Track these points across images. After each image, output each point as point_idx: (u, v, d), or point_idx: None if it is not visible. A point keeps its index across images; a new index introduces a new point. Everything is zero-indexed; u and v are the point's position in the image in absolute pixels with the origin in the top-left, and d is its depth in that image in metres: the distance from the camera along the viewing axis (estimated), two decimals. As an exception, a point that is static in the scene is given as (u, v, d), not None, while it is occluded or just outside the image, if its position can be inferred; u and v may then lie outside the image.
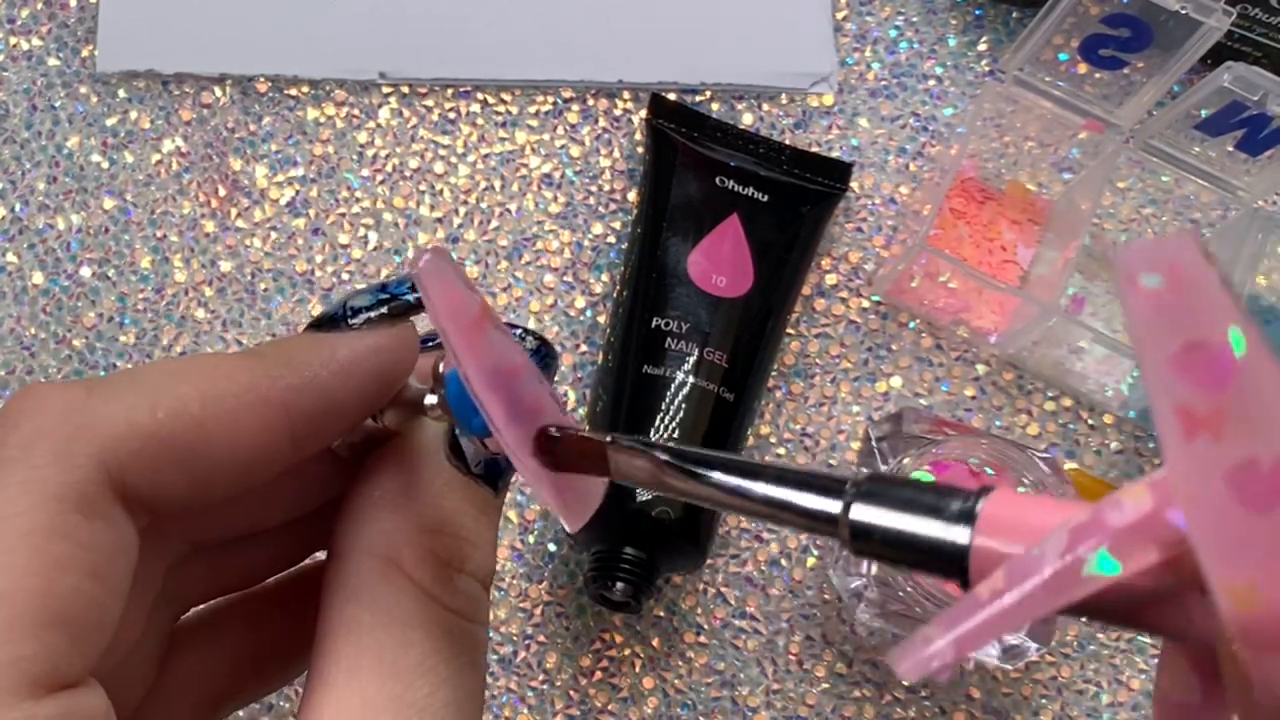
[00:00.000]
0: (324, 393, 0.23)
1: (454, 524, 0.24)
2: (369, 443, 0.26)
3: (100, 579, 0.21)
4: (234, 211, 0.53)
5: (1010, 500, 0.18)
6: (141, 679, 0.25)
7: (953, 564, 0.18)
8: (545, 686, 0.49)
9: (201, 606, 0.27)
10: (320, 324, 0.24)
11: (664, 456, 0.22)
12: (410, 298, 0.24)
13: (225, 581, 0.27)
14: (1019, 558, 0.17)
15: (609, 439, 0.23)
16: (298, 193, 0.53)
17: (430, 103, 0.54)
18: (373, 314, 0.24)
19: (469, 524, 0.24)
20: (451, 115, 0.54)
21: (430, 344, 0.26)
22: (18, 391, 0.22)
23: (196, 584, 0.27)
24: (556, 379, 0.51)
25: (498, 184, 0.54)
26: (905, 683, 0.49)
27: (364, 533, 0.24)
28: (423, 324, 0.24)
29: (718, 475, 0.21)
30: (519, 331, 0.25)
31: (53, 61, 0.54)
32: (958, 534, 0.18)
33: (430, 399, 0.25)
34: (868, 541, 0.19)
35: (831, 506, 0.20)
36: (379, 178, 0.53)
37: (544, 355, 0.26)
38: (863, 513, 0.19)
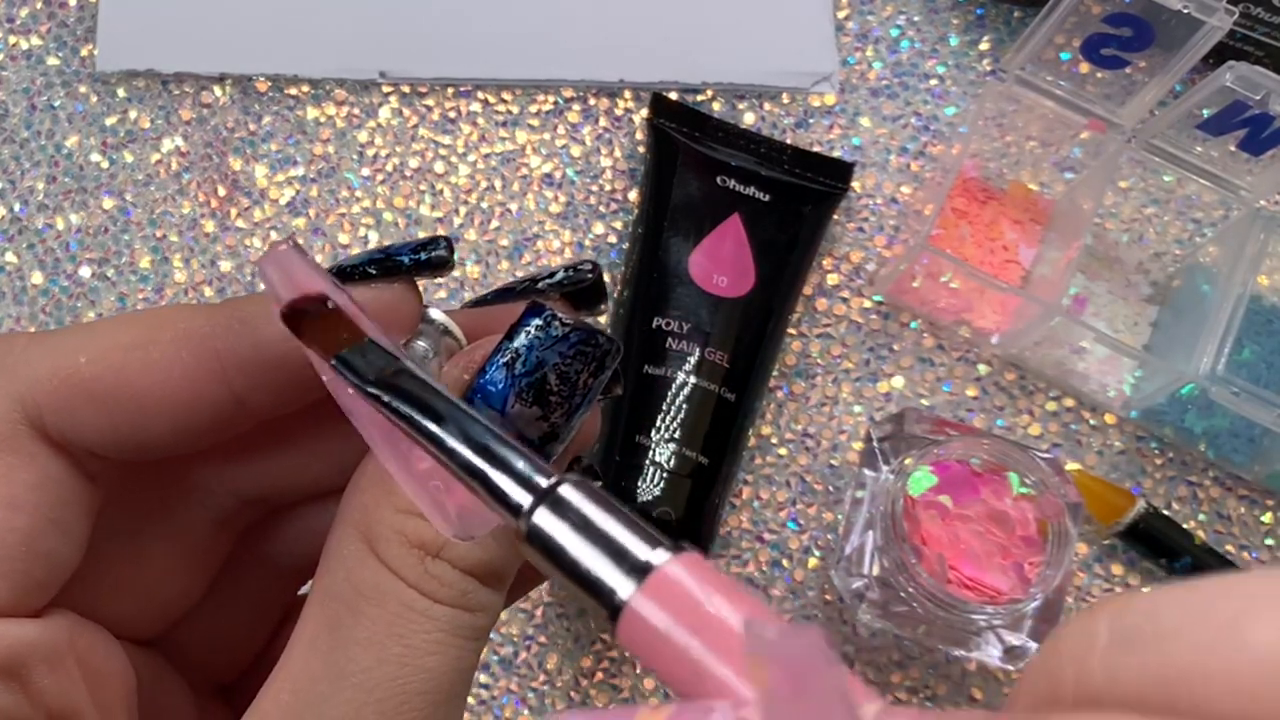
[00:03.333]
0: (265, 344, 0.23)
1: None
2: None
3: (19, 509, 0.21)
4: (234, 211, 0.53)
5: (693, 573, 0.17)
6: (194, 593, 0.26)
7: (609, 610, 0.17)
8: (546, 687, 0.49)
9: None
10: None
11: (376, 392, 0.20)
12: (405, 259, 0.23)
13: (278, 495, 0.28)
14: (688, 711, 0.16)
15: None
16: (298, 193, 0.53)
17: (430, 102, 0.54)
18: (357, 273, 0.23)
19: None
20: (452, 115, 0.54)
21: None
22: None
23: (295, 544, 0.27)
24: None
25: (498, 184, 0.53)
26: (907, 683, 0.49)
27: (349, 504, 0.24)
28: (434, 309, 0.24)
29: (421, 418, 0.20)
30: (548, 314, 0.23)
31: (52, 61, 0.54)
32: (622, 585, 0.17)
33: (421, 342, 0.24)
34: (541, 550, 0.18)
35: (522, 497, 0.19)
36: (379, 177, 0.53)
37: (577, 342, 0.24)
38: (546, 520, 0.18)
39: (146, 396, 0.22)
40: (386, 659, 0.22)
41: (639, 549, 0.17)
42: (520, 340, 0.23)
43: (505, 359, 0.23)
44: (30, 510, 0.22)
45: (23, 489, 0.22)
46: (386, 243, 0.52)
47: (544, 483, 0.18)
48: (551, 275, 0.25)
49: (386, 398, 0.20)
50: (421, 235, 0.53)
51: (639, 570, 0.17)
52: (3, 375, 0.22)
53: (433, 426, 0.19)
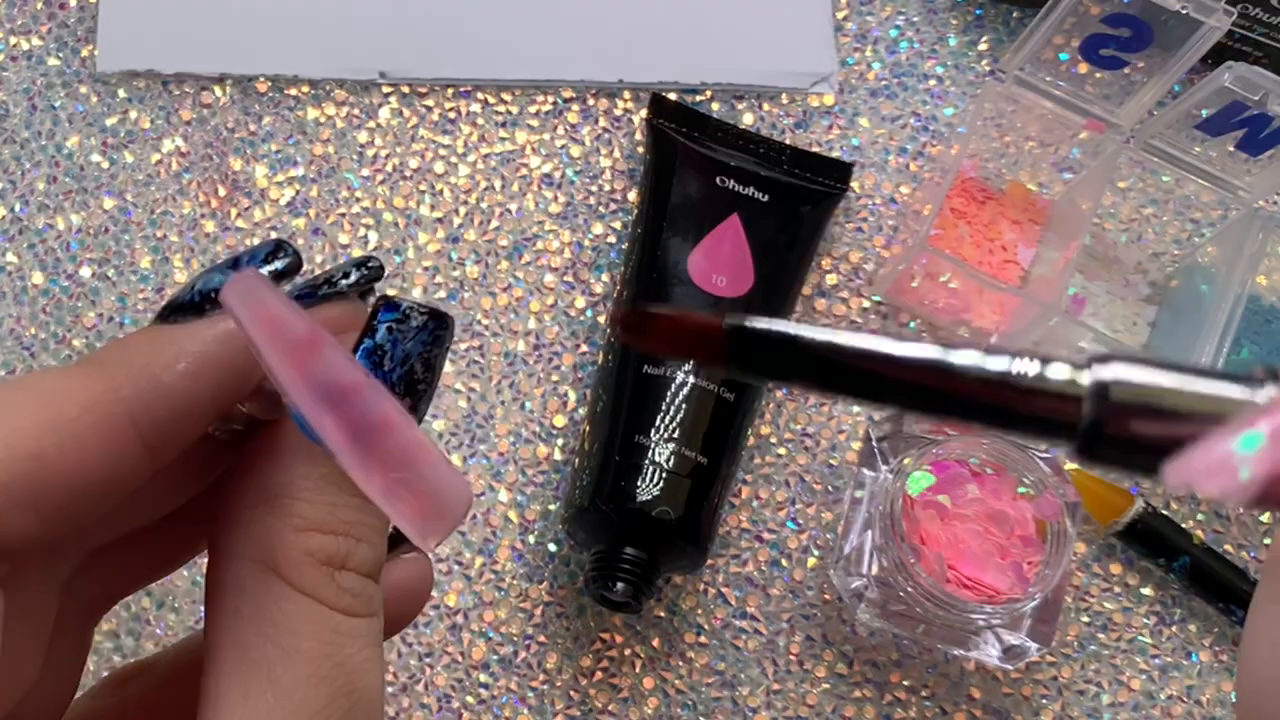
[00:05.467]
0: (172, 394, 0.21)
1: (331, 521, 0.23)
2: (248, 427, 0.24)
3: None
4: (234, 211, 0.53)
5: None
6: (66, 686, 0.25)
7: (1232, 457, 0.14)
8: (545, 687, 0.49)
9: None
10: (170, 312, 0.23)
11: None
12: (266, 270, 0.23)
13: (133, 576, 0.26)
14: None
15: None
16: (298, 193, 0.53)
17: (430, 102, 0.54)
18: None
19: (350, 518, 0.23)
20: (451, 115, 0.54)
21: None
22: None
23: (105, 583, 0.25)
24: (555, 378, 0.51)
25: (498, 184, 0.53)
26: (906, 683, 0.49)
27: (238, 536, 0.22)
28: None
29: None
30: (406, 305, 0.23)
31: (53, 61, 0.54)
32: (1257, 395, 0.15)
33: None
34: (1121, 405, 0.15)
35: (1062, 373, 0.16)
36: (379, 178, 0.53)
37: (434, 328, 0.24)
38: (1117, 371, 0.15)
39: (72, 481, 0.20)
40: (336, 692, 0.22)
41: (1229, 376, 0.15)
42: (381, 335, 0.23)
43: (373, 358, 0.23)
44: None
45: None
46: (386, 244, 0.53)
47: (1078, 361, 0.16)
48: (347, 275, 0.25)
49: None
50: (421, 236, 0.53)
51: (1271, 376, 0.15)
52: None
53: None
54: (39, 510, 0.20)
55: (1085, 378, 0.16)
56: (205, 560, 0.24)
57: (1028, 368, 0.16)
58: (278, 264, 0.23)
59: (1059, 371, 0.16)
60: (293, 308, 0.21)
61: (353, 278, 0.25)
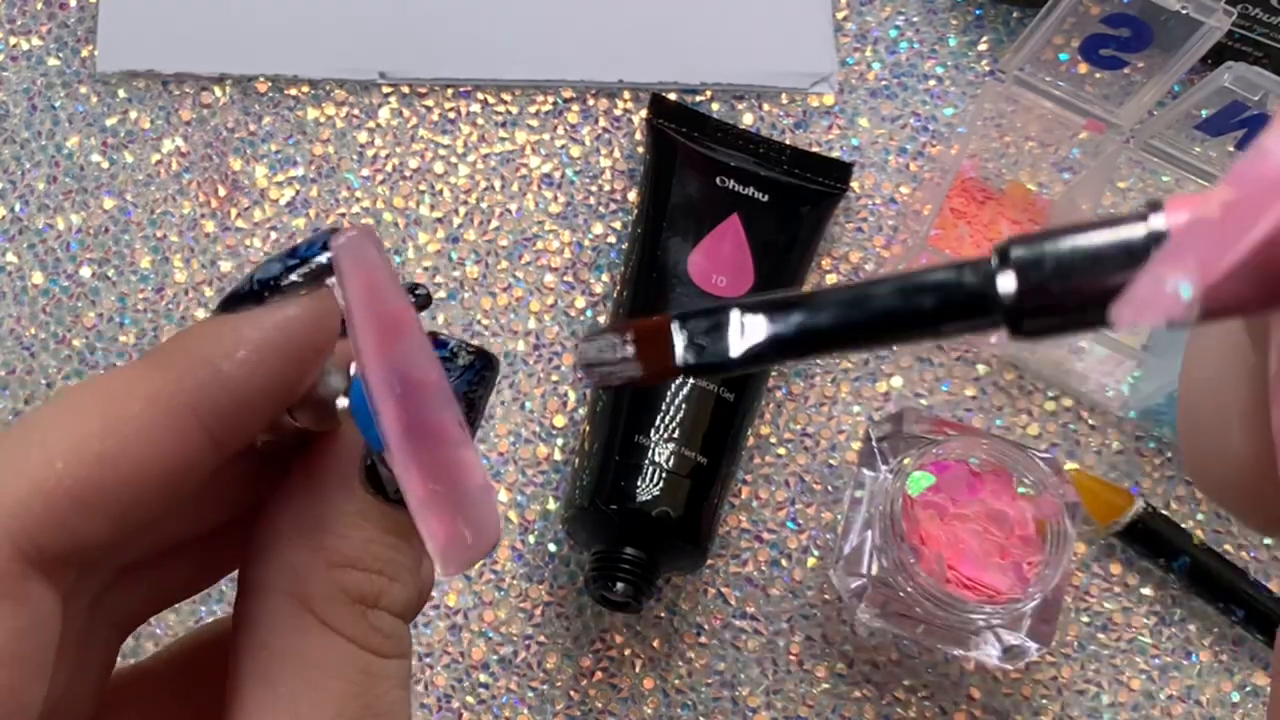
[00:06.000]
0: (233, 383, 0.21)
1: (366, 558, 0.22)
2: (293, 441, 0.24)
3: (4, 662, 0.19)
4: (234, 211, 0.53)
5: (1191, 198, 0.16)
6: (88, 703, 0.24)
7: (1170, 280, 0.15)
8: (545, 687, 0.49)
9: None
10: (230, 303, 0.22)
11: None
12: (323, 258, 0.22)
13: (161, 596, 0.26)
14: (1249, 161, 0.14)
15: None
16: (298, 193, 0.53)
17: (430, 103, 0.54)
18: (284, 283, 0.22)
19: (385, 555, 0.23)
20: (451, 115, 0.54)
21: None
22: None
23: (133, 602, 0.25)
24: (555, 378, 0.51)
25: (498, 184, 0.54)
26: (906, 682, 0.49)
27: (271, 568, 0.22)
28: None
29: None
30: (454, 343, 0.23)
31: (53, 61, 0.54)
32: (1149, 224, 0.15)
33: (342, 401, 0.23)
34: (1036, 277, 0.16)
35: (978, 269, 0.17)
36: (379, 178, 0.53)
37: (480, 368, 0.23)
38: (1022, 250, 0.16)
39: (139, 479, 0.20)
40: None
41: (1117, 218, 0.16)
42: None
43: None
44: (17, 662, 0.20)
45: (12, 638, 0.19)
46: (386, 243, 0.52)
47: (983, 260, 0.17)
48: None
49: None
50: (421, 236, 0.53)
51: (1151, 207, 0.16)
52: None
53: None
54: (109, 512, 0.20)
55: (995, 260, 0.17)
56: None
57: (944, 275, 0.17)
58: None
59: (974, 269, 0.17)
60: (395, 281, 0.20)
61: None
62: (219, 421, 0.21)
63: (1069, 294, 0.16)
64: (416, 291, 0.24)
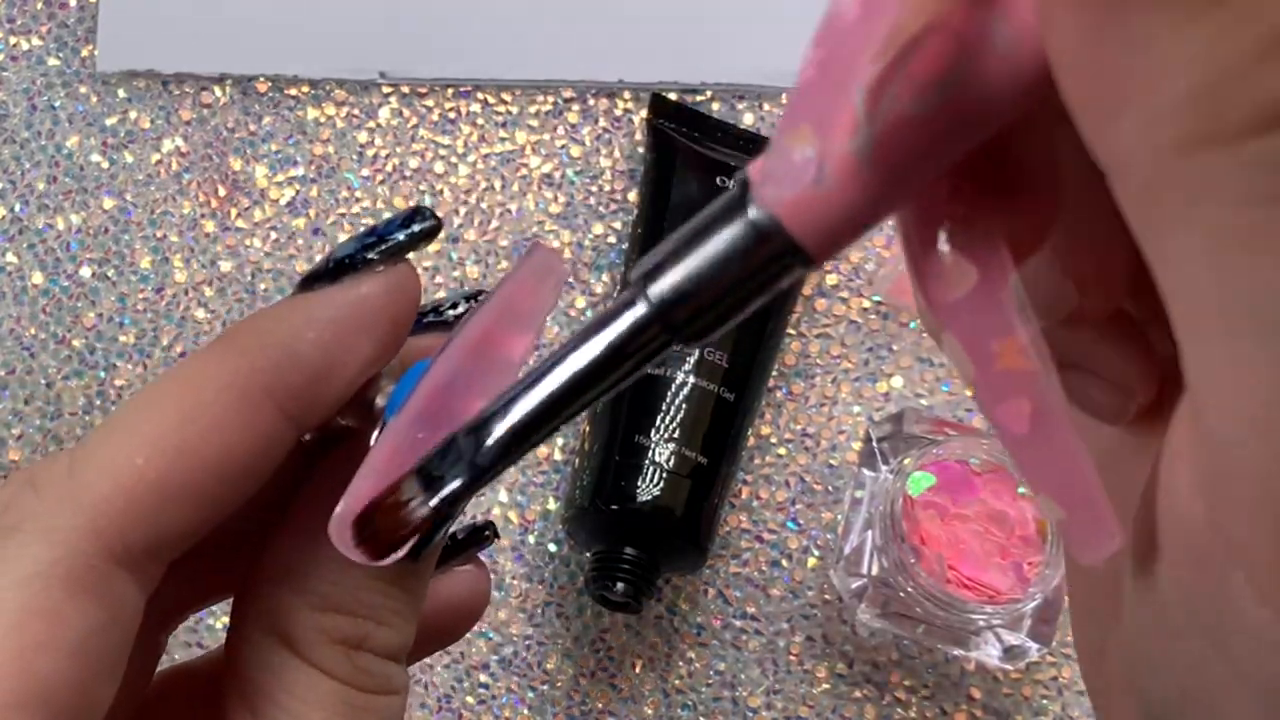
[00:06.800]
0: (308, 364, 0.21)
1: (353, 603, 0.22)
2: (331, 437, 0.24)
3: (82, 658, 0.20)
4: (234, 211, 0.53)
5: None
6: (135, 696, 0.25)
7: (780, 251, 0.15)
8: (545, 687, 0.49)
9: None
10: (307, 283, 0.23)
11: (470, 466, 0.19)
12: (400, 236, 0.22)
13: (206, 589, 0.26)
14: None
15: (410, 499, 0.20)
16: (298, 193, 0.53)
17: (430, 103, 0.54)
18: (359, 262, 0.22)
19: (371, 601, 0.23)
20: (451, 115, 0.54)
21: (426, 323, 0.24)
22: (11, 476, 0.21)
23: (180, 594, 0.25)
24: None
25: (498, 184, 0.53)
26: (906, 683, 0.49)
27: (256, 608, 0.22)
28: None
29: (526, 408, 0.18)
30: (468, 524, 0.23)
31: (53, 61, 0.54)
32: (752, 217, 0.15)
33: (381, 400, 0.23)
34: (690, 308, 0.16)
35: (635, 313, 0.17)
36: (379, 178, 0.53)
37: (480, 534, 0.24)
38: (660, 286, 0.16)
39: (220, 466, 0.21)
40: None
41: (719, 203, 0.16)
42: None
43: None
44: (93, 659, 0.20)
45: (91, 634, 0.20)
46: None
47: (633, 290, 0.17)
48: (455, 305, 0.24)
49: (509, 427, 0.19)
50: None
51: (742, 188, 0.16)
52: (67, 508, 0.20)
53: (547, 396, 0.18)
54: (193, 503, 0.21)
55: (643, 306, 0.17)
56: None
57: (613, 331, 0.17)
58: (416, 227, 0.23)
59: (629, 315, 0.17)
60: (536, 317, 0.21)
61: (461, 309, 0.24)
62: (295, 402, 0.21)
63: (717, 305, 0.17)
64: (478, 298, 0.24)
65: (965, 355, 0.16)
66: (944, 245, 0.15)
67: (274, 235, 0.52)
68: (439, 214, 0.53)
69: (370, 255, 0.22)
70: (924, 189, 0.15)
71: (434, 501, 0.19)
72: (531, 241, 0.21)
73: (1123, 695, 0.18)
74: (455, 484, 0.19)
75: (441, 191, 0.53)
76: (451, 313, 0.24)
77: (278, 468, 0.23)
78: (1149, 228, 0.13)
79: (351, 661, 0.22)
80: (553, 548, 0.50)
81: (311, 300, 0.22)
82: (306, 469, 0.24)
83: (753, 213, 0.15)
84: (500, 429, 0.18)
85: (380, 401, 0.23)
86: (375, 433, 0.22)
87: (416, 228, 0.23)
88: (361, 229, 0.24)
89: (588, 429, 0.49)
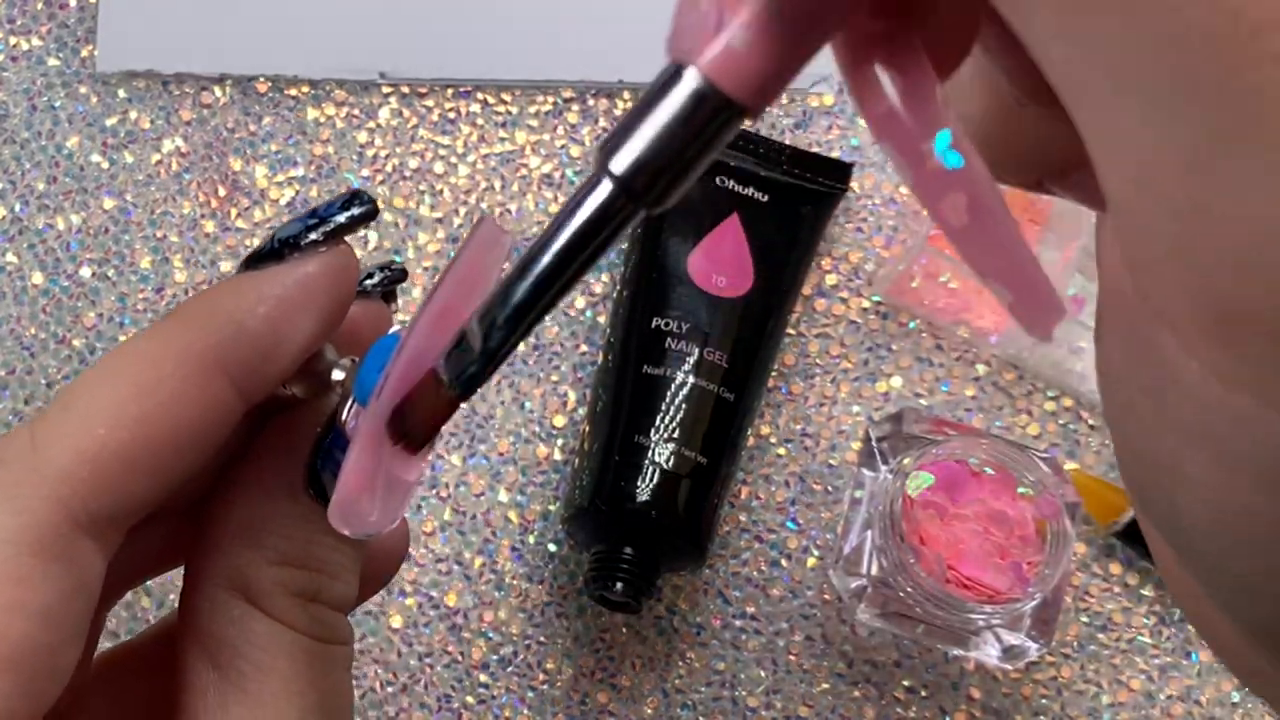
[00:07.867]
0: (258, 338, 0.22)
1: (306, 557, 0.23)
2: (273, 404, 0.25)
3: (51, 622, 0.20)
4: (234, 211, 0.53)
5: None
6: (82, 671, 0.25)
7: (717, 108, 0.16)
8: (545, 687, 0.49)
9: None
10: (252, 261, 0.23)
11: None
12: (341, 218, 0.23)
13: (148, 563, 0.27)
14: None
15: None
16: (298, 193, 0.53)
17: (430, 103, 0.54)
18: (304, 242, 0.23)
19: (324, 556, 0.24)
20: (451, 115, 0.54)
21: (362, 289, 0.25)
22: None
23: (124, 568, 0.26)
24: (555, 378, 0.51)
25: (498, 184, 0.54)
26: (906, 683, 0.49)
27: (214, 563, 0.23)
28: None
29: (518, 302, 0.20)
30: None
31: (53, 61, 0.54)
32: (686, 83, 0.17)
33: (338, 373, 0.24)
34: (648, 175, 0.18)
35: (601, 192, 0.18)
36: (379, 178, 0.53)
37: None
38: (619, 161, 0.18)
39: (178, 436, 0.21)
40: (308, 709, 0.23)
41: (663, 77, 0.17)
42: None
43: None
44: (61, 623, 0.20)
45: (58, 599, 0.20)
46: (386, 244, 0.53)
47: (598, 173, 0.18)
48: (370, 276, 0.25)
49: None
50: (421, 236, 0.53)
51: (676, 63, 0.17)
52: (31, 478, 0.20)
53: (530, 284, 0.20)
54: (152, 471, 0.21)
55: (608, 182, 0.18)
56: None
57: (587, 209, 0.19)
58: (355, 210, 0.24)
59: (598, 193, 0.19)
60: (485, 284, 0.22)
61: (376, 279, 0.25)
62: (245, 375, 0.22)
63: (667, 160, 0.18)
64: (392, 267, 0.26)
65: (901, 160, 0.17)
66: (872, 62, 0.17)
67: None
68: (439, 214, 0.53)
69: (313, 236, 0.23)
70: (843, 20, 0.16)
71: (458, 387, 0.21)
72: (479, 216, 0.22)
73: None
74: (473, 368, 0.20)
75: (441, 191, 0.53)
76: (369, 282, 0.25)
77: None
78: (1014, 12, 0.14)
79: (308, 613, 0.23)
80: (552, 548, 0.50)
81: (260, 278, 0.23)
82: (249, 436, 0.25)
83: (687, 79, 0.17)
84: (504, 313, 0.20)
85: (338, 375, 0.24)
86: (346, 408, 0.23)
87: (356, 210, 0.24)
88: (303, 210, 0.24)
89: (587, 429, 0.49)
